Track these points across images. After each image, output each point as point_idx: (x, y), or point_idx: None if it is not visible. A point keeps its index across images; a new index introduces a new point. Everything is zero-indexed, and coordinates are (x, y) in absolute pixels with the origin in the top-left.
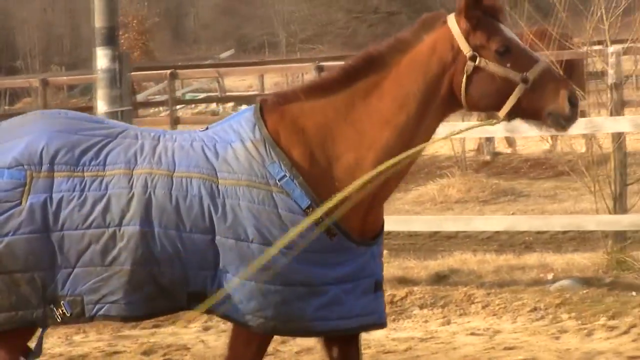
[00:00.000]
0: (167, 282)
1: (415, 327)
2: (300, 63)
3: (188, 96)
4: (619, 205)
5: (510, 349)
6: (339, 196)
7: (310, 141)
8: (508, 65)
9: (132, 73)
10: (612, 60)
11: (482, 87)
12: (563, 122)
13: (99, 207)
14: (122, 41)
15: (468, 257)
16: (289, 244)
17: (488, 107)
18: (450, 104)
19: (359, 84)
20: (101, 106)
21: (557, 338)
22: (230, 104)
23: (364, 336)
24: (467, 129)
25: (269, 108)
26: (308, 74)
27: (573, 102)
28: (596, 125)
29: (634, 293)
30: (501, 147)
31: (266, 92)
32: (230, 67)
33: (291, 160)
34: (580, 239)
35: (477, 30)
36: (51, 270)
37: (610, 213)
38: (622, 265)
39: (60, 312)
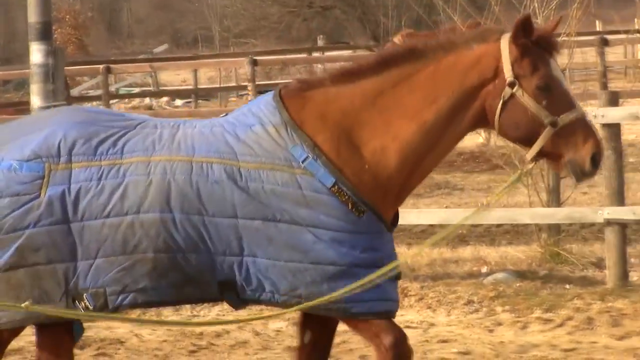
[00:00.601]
0: (194, 269)
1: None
2: (234, 57)
3: (122, 91)
4: (553, 198)
5: (444, 341)
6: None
7: (335, 126)
8: (544, 103)
9: (67, 68)
10: None
11: (514, 117)
12: (580, 174)
13: (117, 195)
14: (55, 36)
15: (402, 250)
16: (317, 223)
17: (516, 140)
18: (481, 120)
19: (392, 71)
20: (35, 101)
21: (492, 331)
22: (165, 99)
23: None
24: (501, 192)
25: (290, 93)
26: (242, 68)
27: (596, 159)
28: None
29: (568, 286)
30: None
31: (200, 86)
32: (165, 61)
33: (314, 142)
34: (515, 232)
35: (524, 58)
36: (72, 262)
37: (544, 206)
38: (556, 258)
39: (83, 305)
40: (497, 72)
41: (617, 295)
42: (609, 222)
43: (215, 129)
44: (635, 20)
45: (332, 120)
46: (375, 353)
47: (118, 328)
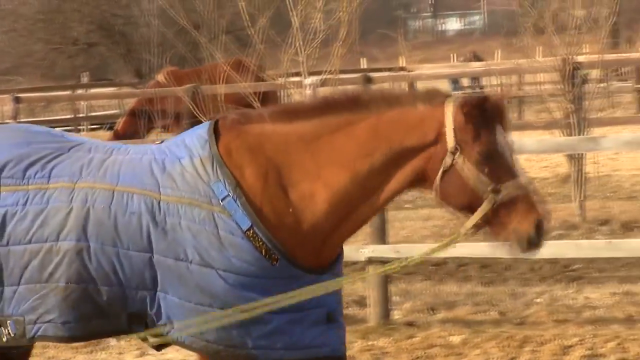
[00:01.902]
0: (105, 301)
1: (109, 359)
2: None
3: None
4: None
5: None
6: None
7: (265, 161)
8: (485, 170)
9: None
10: (308, 91)
11: (455, 184)
12: (525, 245)
13: (38, 221)
14: None
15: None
16: (228, 267)
17: (457, 208)
18: (420, 181)
19: (333, 117)
20: None
21: None
22: None
23: None
24: (433, 250)
25: (227, 126)
26: (6, 106)
27: (540, 228)
28: None
29: None
30: None
31: None
32: None
33: (240, 180)
34: None
35: (468, 125)
36: None
37: None
38: None
39: (6, 332)
40: (440, 136)
41: (379, 334)
42: (370, 260)
43: (145, 157)
44: (400, 58)
45: (263, 156)
46: None
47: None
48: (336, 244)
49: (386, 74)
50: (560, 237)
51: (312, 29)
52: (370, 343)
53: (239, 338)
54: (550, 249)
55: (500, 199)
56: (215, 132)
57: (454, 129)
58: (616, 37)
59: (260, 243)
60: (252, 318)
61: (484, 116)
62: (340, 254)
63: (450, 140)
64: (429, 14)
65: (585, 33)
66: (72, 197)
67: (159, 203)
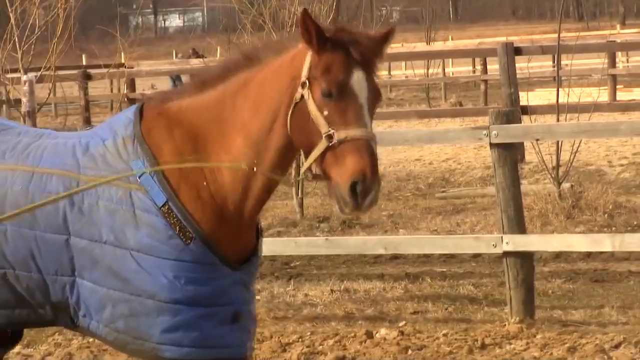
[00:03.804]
0: (25, 288)
1: None
2: None
3: None
4: None
5: None
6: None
7: (182, 138)
8: (325, 113)
9: None
10: (26, 88)
11: (298, 121)
12: (342, 204)
13: None
14: None
15: None
16: (141, 247)
17: (300, 147)
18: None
19: (234, 80)
20: None
21: None
22: None
23: None
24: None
25: (152, 105)
26: None
27: (357, 191)
28: None
29: None
30: None
31: None
32: None
33: (158, 157)
34: None
35: (321, 58)
36: None
37: None
38: None
39: None
40: (301, 72)
41: None
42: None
43: (70, 141)
44: (121, 54)
45: (180, 132)
46: None
47: None
48: (250, 220)
49: (105, 70)
50: (279, 234)
51: (30, 25)
52: (88, 340)
53: (146, 329)
54: (269, 247)
55: (332, 145)
56: (141, 113)
57: (310, 62)
58: None
59: (175, 220)
60: (160, 307)
61: (341, 51)
62: (254, 255)
63: (303, 73)
64: (150, 10)
65: None
66: None
67: (77, 183)
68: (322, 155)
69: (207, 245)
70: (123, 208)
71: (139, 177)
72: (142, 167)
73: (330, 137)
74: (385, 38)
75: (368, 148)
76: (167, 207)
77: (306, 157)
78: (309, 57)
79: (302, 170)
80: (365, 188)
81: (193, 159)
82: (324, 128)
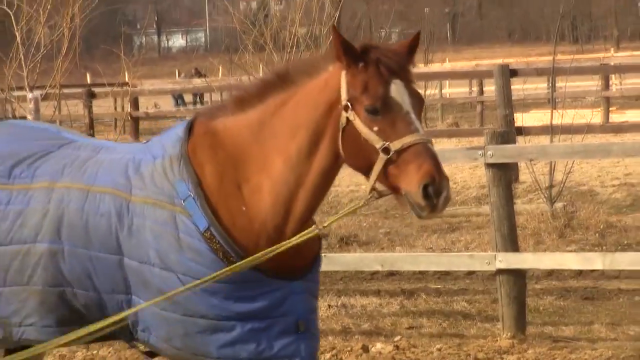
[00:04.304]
0: (83, 305)
1: None
2: None
3: None
4: None
5: None
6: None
7: (224, 159)
8: (375, 128)
9: None
10: (31, 105)
11: (350, 145)
12: (417, 209)
13: (18, 222)
14: None
15: None
16: (187, 271)
17: (358, 170)
18: (345, 141)
19: (271, 100)
20: None
21: None
22: None
23: None
24: (334, 219)
25: (200, 122)
26: None
27: (430, 193)
28: None
29: None
30: None
31: None
32: None
33: (201, 179)
34: None
35: (356, 77)
36: None
37: None
38: None
39: None
40: (340, 95)
41: None
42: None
43: (125, 157)
44: (125, 73)
45: (223, 152)
46: None
47: None
48: (293, 236)
49: (109, 89)
50: None
51: (36, 44)
52: None
53: (203, 346)
54: None
55: (390, 158)
56: (191, 129)
57: (347, 83)
58: None
59: (217, 245)
60: (214, 326)
61: (373, 67)
62: (316, 262)
63: (343, 97)
64: (153, 30)
65: (304, 50)
66: (50, 198)
67: (128, 204)
68: (384, 170)
69: (252, 267)
70: (167, 231)
71: (183, 200)
72: (185, 189)
73: (386, 150)
74: (412, 45)
75: (428, 150)
76: (209, 232)
77: (367, 177)
78: (343, 79)
79: (368, 189)
80: (437, 189)
81: (233, 182)
82: (378, 143)
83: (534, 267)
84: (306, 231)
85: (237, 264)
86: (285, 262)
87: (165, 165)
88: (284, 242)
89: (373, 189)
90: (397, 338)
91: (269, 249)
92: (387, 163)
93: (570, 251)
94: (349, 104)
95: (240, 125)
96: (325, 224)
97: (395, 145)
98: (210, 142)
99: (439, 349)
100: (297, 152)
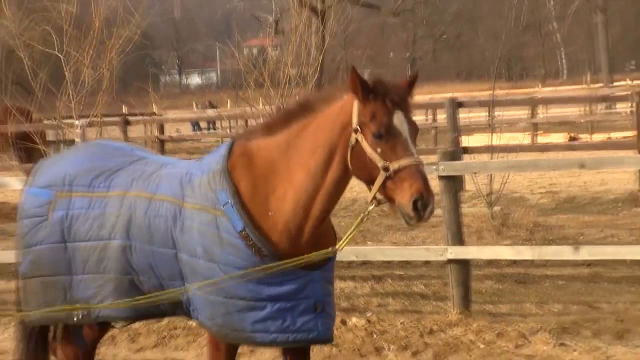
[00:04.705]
0: (147, 290)
1: None
2: None
3: None
4: None
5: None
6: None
7: (257, 174)
8: (378, 150)
9: None
10: (79, 131)
11: (357, 161)
12: (407, 218)
13: (97, 224)
14: None
15: None
16: (227, 262)
17: (362, 181)
18: (354, 159)
19: (295, 125)
20: None
21: None
22: None
23: None
24: (349, 235)
25: (239, 144)
26: None
27: (418, 207)
28: None
29: None
30: None
31: None
32: None
33: (238, 189)
34: None
35: (365, 107)
36: (69, 276)
37: None
38: None
39: (77, 313)
40: (351, 120)
41: None
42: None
43: (181, 171)
44: (153, 105)
45: (257, 168)
46: None
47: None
48: (313, 235)
49: (140, 117)
50: None
51: (82, 81)
52: None
53: (239, 323)
54: None
55: (389, 175)
56: (233, 148)
57: (358, 111)
58: (320, 89)
59: (251, 242)
60: (250, 306)
61: (380, 100)
62: (332, 256)
63: (354, 121)
64: (175, 70)
65: (295, 87)
66: (122, 204)
67: (180, 209)
68: (383, 184)
69: (279, 258)
70: (211, 230)
71: (222, 206)
72: (226, 197)
73: (386, 169)
74: (412, 82)
75: (419, 171)
76: (244, 232)
77: (369, 188)
78: (355, 107)
79: (370, 199)
80: (424, 203)
81: (263, 193)
82: (380, 162)
83: (476, 258)
84: (324, 251)
85: (273, 264)
86: (305, 251)
87: (210, 178)
88: (307, 255)
89: (374, 198)
90: (369, 314)
91: (303, 256)
92: (386, 179)
93: (506, 245)
94: (358, 128)
95: (270, 146)
96: (342, 245)
97: (393, 165)
98: (245, 162)
99: (402, 322)
100: (315, 166)
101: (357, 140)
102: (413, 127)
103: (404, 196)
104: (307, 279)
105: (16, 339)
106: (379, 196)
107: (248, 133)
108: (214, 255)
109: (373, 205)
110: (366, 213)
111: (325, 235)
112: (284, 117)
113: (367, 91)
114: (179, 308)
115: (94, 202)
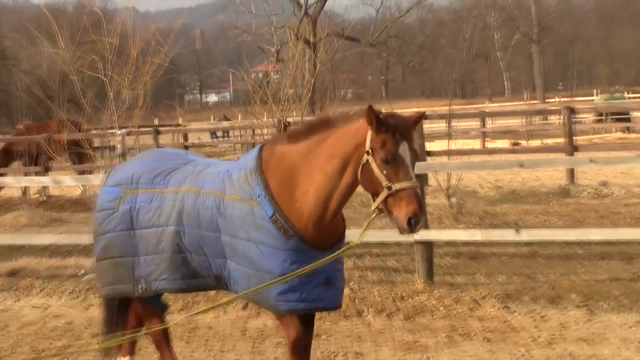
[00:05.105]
0: (196, 266)
1: None
2: None
3: None
4: None
5: (57, 316)
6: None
7: (283, 173)
8: (384, 172)
9: None
10: (119, 138)
11: (365, 177)
12: (401, 229)
13: (157, 214)
14: None
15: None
16: (261, 241)
17: (369, 192)
18: (364, 173)
19: (316, 136)
20: None
21: (87, 309)
22: None
23: None
24: (360, 235)
25: (267, 145)
26: None
27: (412, 223)
28: None
29: None
30: (54, 191)
31: None
32: None
33: (269, 184)
34: None
35: (377, 136)
36: (135, 257)
37: None
38: None
39: (140, 287)
40: (365, 141)
41: None
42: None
43: (223, 169)
44: (179, 118)
45: (282, 169)
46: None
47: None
48: (329, 224)
49: (169, 128)
50: None
51: (122, 99)
52: None
53: (267, 293)
54: None
55: (391, 193)
56: (262, 151)
57: (371, 137)
58: (312, 106)
59: (280, 225)
60: (275, 278)
61: (391, 132)
62: (341, 238)
63: (367, 145)
64: (197, 90)
65: (292, 103)
66: (176, 197)
67: (222, 200)
68: (385, 199)
69: (301, 240)
70: (248, 217)
71: (257, 197)
72: (259, 190)
73: (389, 188)
74: (418, 119)
75: (416, 194)
76: (274, 217)
77: (373, 199)
78: (369, 133)
79: (372, 208)
80: (417, 220)
81: (289, 188)
82: (384, 182)
83: (438, 239)
84: (341, 250)
85: (304, 268)
86: (325, 239)
87: (247, 174)
88: (327, 257)
89: (376, 208)
90: (352, 283)
91: (331, 255)
92: (388, 196)
93: (461, 229)
94: (370, 151)
95: (294, 152)
96: (356, 241)
97: (395, 186)
98: (275, 163)
99: (378, 290)
100: (331, 172)
101: (367, 161)
102: (414, 156)
103: (401, 212)
104: (320, 258)
105: (101, 306)
106: (381, 206)
107: (274, 139)
108: (252, 237)
109: (375, 214)
110: (371, 219)
111: (336, 223)
112: (307, 129)
113: (380, 124)
114: (221, 282)
115: (154, 196)
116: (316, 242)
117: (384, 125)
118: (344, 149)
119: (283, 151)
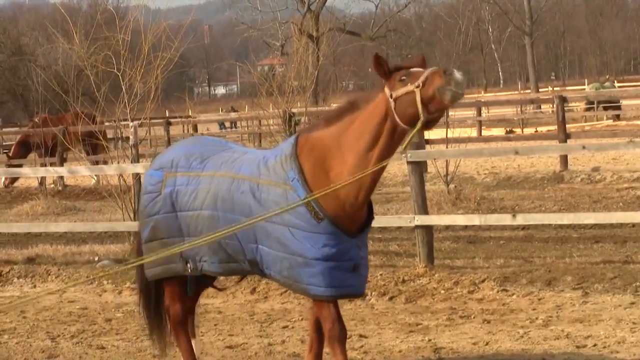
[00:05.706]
0: (232, 250)
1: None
2: None
3: None
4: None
5: (72, 301)
6: (318, 192)
7: (317, 157)
8: (408, 84)
9: None
10: (132, 130)
11: (400, 106)
12: (448, 90)
13: (193, 196)
14: None
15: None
16: (294, 224)
17: (412, 117)
18: (393, 138)
19: (346, 118)
20: None
21: (100, 295)
22: None
23: None
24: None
25: (304, 132)
26: None
27: (447, 72)
28: (122, 169)
29: None
30: (69, 181)
31: None
32: None
33: (303, 169)
34: (116, 237)
35: (390, 79)
36: (181, 238)
37: (131, 220)
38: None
39: (190, 265)
40: (387, 109)
41: None
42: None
43: (259, 156)
44: (188, 110)
45: (316, 153)
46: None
47: None
48: (362, 206)
49: (179, 119)
50: None
51: (134, 92)
52: None
53: (299, 276)
54: None
55: (423, 86)
56: (299, 138)
57: (389, 88)
58: (315, 97)
59: (312, 208)
60: (307, 263)
61: (399, 76)
62: (368, 224)
63: (388, 93)
64: (206, 83)
65: (297, 95)
66: (212, 182)
67: (257, 185)
68: (425, 106)
69: (332, 223)
70: (282, 201)
71: (291, 181)
72: (294, 175)
73: (418, 85)
74: (421, 61)
75: (446, 68)
76: (306, 199)
77: (414, 119)
78: (386, 89)
79: (421, 120)
80: (451, 70)
81: (323, 171)
82: (412, 85)
83: (437, 224)
84: (378, 166)
85: (230, 229)
86: (355, 223)
87: (282, 160)
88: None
89: (421, 121)
90: None
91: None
92: (422, 93)
93: (459, 214)
94: (392, 93)
95: (326, 136)
96: (404, 145)
97: (422, 80)
98: (308, 148)
99: (381, 274)
100: (362, 149)
101: (393, 99)
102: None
103: (435, 78)
104: (349, 244)
105: (138, 291)
106: (426, 116)
107: (310, 126)
108: (285, 221)
109: (420, 129)
110: (419, 126)
111: (364, 210)
112: (337, 113)
113: (390, 71)
114: (255, 266)
115: (190, 179)
116: (346, 225)
117: (394, 68)
118: (372, 124)
119: (317, 136)
